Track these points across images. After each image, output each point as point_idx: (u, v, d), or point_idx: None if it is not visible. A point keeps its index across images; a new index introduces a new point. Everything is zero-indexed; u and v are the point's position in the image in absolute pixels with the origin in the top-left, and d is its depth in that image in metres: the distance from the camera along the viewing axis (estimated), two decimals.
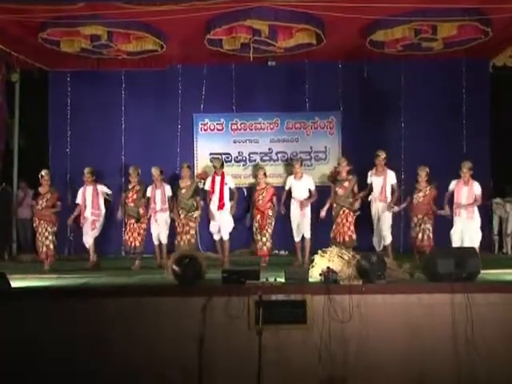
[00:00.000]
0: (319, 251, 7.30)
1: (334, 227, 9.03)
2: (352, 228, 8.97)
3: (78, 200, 9.46)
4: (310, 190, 9.17)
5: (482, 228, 8.80)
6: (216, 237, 9.46)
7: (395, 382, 5.95)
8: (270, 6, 8.44)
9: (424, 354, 6.00)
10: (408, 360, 6.01)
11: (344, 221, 8.96)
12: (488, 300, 6.06)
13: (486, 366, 5.95)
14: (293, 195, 9.20)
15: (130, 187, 9.43)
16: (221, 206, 9.17)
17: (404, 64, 10.82)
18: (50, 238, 9.03)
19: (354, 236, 8.95)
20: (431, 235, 8.85)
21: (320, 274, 6.45)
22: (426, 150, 10.37)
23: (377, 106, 10.94)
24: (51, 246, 9.03)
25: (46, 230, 9.02)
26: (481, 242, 8.58)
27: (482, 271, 6.44)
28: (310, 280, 6.52)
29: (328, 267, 6.42)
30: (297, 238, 9.20)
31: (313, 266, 7.03)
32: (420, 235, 8.87)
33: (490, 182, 10.33)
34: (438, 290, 6.14)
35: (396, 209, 9.12)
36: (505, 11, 8.49)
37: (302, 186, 9.17)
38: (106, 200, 9.57)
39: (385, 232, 9.05)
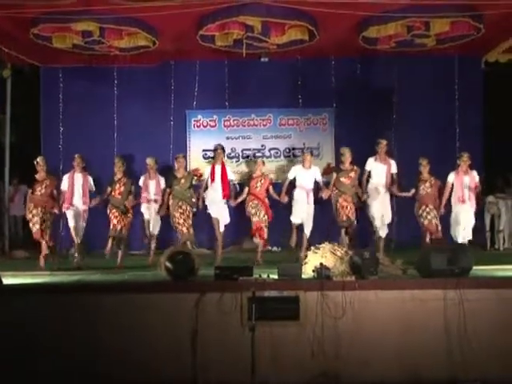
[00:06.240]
0: (312, 247, 7.30)
1: (336, 212, 8.99)
2: (353, 210, 8.94)
3: (64, 186, 9.03)
4: (316, 181, 9.14)
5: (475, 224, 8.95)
6: (215, 215, 9.08)
7: (388, 377, 5.96)
8: (263, 2, 8.43)
9: (417, 350, 6.00)
10: (401, 355, 6.02)
11: (345, 203, 8.91)
12: (480, 295, 6.07)
13: (479, 360, 5.96)
14: (299, 184, 9.09)
15: (115, 179, 9.12)
16: (225, 196, 9.04)
17: (397, 60, 10.79)
18: (47, 224, 8.64)
19: (353, 217, 8.93)
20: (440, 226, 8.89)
21: (313, 271, 6.46)
22: (418, 146, 10.37)
23: (370, 103, 10.94)
24: (48, 231, 8.64)
25: (44, 215, 8.58)
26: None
27: (475, 267, 6.46)
28: (303, 276, 6.52)
29: (321, 263, 6.43)
30: (297, 220, 9.06)
31: (306, 263, 7.02)
32: (433, 223, 8.82)
33: (483, 177, 10.35)
34: (430, 285, 6.15)
35: (400, 194, 9.18)
36: (496, 7, 8.52)
37: (309, 176, 9.12)
38: None
39: (387, 221, 9.10)
